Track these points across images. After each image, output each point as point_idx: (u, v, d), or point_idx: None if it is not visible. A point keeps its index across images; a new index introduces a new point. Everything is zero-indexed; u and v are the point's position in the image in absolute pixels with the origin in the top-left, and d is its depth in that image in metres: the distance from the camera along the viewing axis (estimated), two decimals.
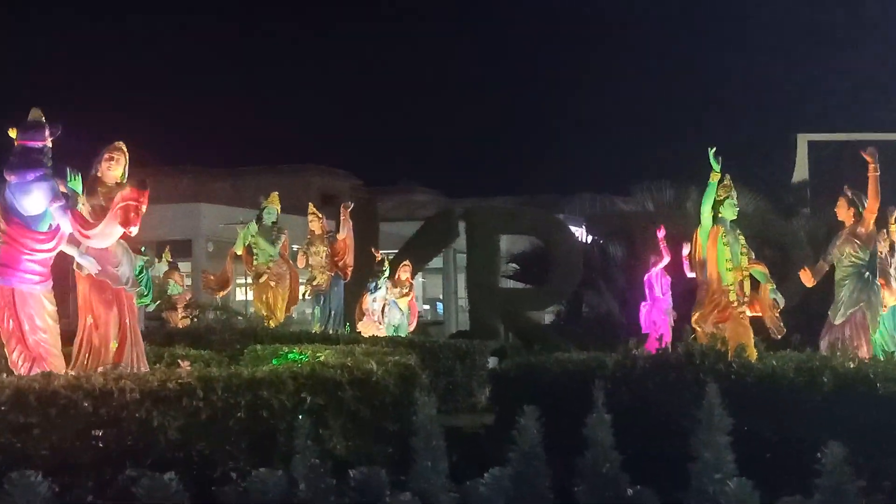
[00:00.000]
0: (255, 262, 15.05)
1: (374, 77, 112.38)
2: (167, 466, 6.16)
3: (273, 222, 15.14)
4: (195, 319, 14.86)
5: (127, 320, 8.27)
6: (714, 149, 9.61)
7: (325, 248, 14.95)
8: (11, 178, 7.70)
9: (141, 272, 9.50)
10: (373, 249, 16.01)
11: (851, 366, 7.22)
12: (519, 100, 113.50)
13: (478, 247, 21.73)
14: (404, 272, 16.76)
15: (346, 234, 15.09)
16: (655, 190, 24.46)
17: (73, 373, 7.24)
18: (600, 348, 10.48)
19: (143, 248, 11.19)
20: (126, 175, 8.44)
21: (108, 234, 7.93)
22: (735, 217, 9.75)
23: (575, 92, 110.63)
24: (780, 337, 9.97)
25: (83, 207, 8.11)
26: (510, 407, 8.21)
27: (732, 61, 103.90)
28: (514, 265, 25.95)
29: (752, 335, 9.41)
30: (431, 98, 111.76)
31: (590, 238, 26.34)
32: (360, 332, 14.53)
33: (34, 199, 7.66)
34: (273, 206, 15.14)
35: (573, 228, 24.65)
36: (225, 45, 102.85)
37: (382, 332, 15.12)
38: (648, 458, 6.29)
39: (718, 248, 9.54)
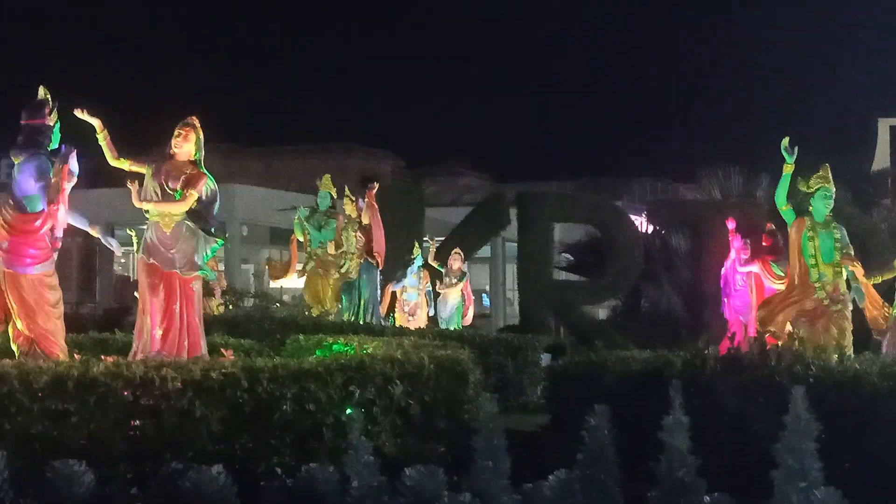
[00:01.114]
0: (307, 249, 15.09)
1: (418, 52, 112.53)
2: (209, 459, 6.27)
3: (330, 206, 15.07)
4: (230, 307, 15.05)
5: (175, 306, 8.43)
6: (787, 139, 9.47)
7: (356, 234, 14.91)
8: (14, 159, 7.98)
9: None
10: (429, 238, 16.06)
11: None
12: (573, 77, 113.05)
13: (530, 235, 21.73)
14: (455, 261, 16.84)
15: (370, 219, 14.99)
16: (723, 177, 24.29)
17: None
18: (662, 347, 10.46)
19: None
20: (200, 152, 8.67)
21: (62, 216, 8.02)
22: (827, 210, 9.56)
23: (634, 70, 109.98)
24: (878, 337, 10.01)
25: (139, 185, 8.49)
26: (569, 407, 8.28)
27: (809, 40, 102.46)
28: (567, 256, 25.92)
29: (850, 336, 9.33)
30: (479, 74, 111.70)
31: (650, 228, 26.20)
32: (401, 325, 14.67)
33: (26, 178, 7.95)
34: (325, 190, 15.01)
35: (632, 217, 24.55)
36: (264, 20, 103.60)
37: (412, 325, 15.20)
38: (722, 464, 6.29)
39: (802, 242, 9.43)
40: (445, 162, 53.26)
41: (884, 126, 31.53)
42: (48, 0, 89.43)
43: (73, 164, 8.10)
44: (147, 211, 8.62)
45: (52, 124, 8.14)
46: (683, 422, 5.74)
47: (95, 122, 8.53)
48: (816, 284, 9.39)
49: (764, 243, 14.35)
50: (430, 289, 17.11)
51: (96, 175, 15.64)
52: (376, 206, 15.12)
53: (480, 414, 6.11)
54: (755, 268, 14.47)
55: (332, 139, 50.37)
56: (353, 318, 14.41)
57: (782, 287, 14.07)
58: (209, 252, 8.78)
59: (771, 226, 14.90)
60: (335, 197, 15.19)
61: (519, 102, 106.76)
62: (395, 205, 22.56)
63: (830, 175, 9.61)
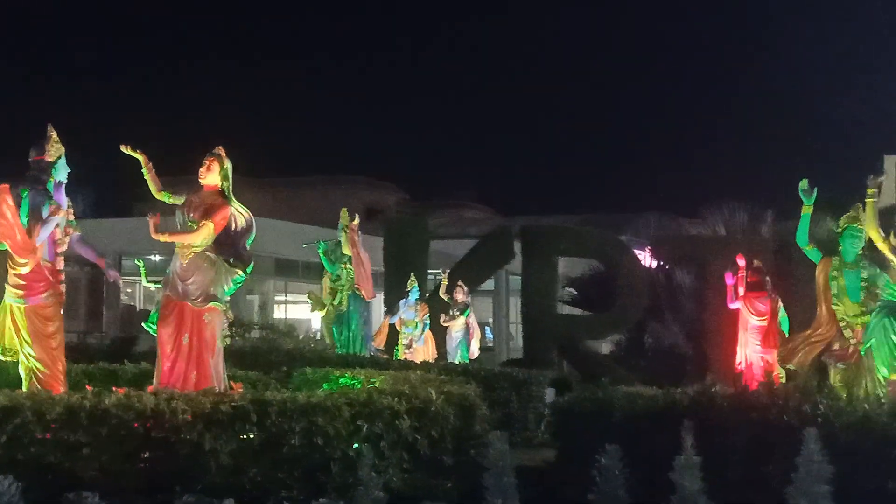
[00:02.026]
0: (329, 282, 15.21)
1: (424, 85, 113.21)
2: (219, 493, 6.29)
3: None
4: (237, 339, 15.08)
5: (184, 338, 8.42)
6: (805, 181, 9.48)
7: (345, 266, 14.98)
8: (21, 194, 8.21)
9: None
10: (442, 271, 16.09)
11: None
12: (580, 112, 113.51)
13: (535, 269, 21.76)
14: (458, 293, 16.88)
15: (353, 251, 15.01)
16: (728, 213, 24.31)
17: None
18: (666, 382, 10.46)
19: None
20: (227, 182, 8.70)
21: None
22: (857, 249, 9.52)
23: (641, 105, 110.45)
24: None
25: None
26: (576, 444, 8.28)
27: (816, 79, 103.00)
28: (571, 290, 25.92)
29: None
30: (485, 108, 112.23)
31: (655, 263, 26.20)
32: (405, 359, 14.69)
33: (24, 213, 8.12)
34: (342, 222, 15.18)
35: (637, 252, 24.57)
36: (269, 49, 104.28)
37: (412, 358, 15.24)
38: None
39: (828, 282, 9.43)
40: (450, 194, 53.49)
41: (890, 163, 31.54)
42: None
43: (60, 197, 8.28)
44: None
45: (51, 160, 8.32)
46: (695, 462, 5.74)
47: (140, 157, 8.66)
48: (842, 324, 9.38)
49: (749, 279, 14.43)
50: (428, 322, 16.99)
51: (103, 206, 15.76)
52: (357, 240, 15.14)
53: (491, 451, 6.12)
54: (739, 304, 14.57)
55: (338, 171, 50.67)
56: (344, 351, 14.46)
57: (764, 323, 14.21)
58: (231, 284, 8.73)
59: (757, 262, 15.06)
60: None
61: (524, 136, 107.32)
62: (401, 237, 22.67)
63: (861, 215, 9.54)
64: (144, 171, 8.72)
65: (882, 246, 9.28)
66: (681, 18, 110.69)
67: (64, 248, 8.42)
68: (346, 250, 14.89)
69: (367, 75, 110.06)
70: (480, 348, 30.36)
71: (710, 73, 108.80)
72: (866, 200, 9.28)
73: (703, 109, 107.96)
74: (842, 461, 6.49)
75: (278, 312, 32.84)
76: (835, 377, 9.10)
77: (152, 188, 8.77)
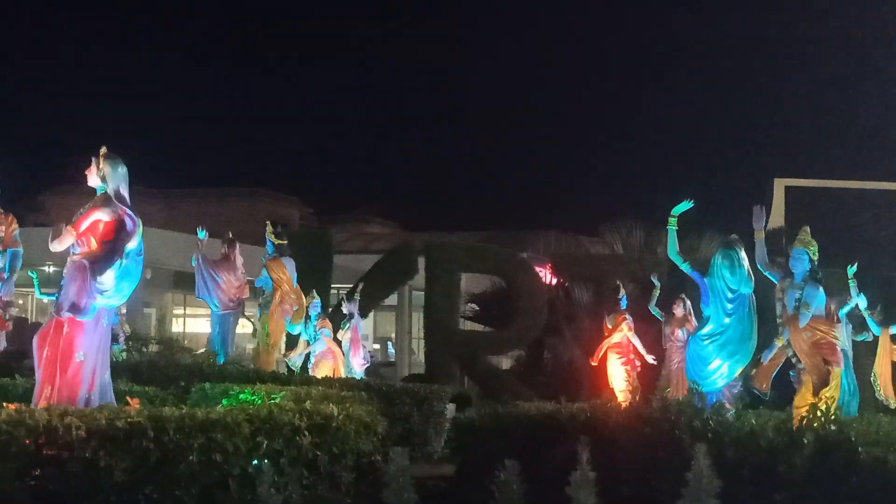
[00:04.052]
0: None
1: (325, 98, 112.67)
2: None
3: (270, 252, 15.38)
4: (133, 353, 14.79)
5: (52, 351, 8.07)
6: (692, 202, 10.30)
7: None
8: None
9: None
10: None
11: (833, 427, 7.43)
12: (482, 130, 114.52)
13: (438, 284, 21.79)
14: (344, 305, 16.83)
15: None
16: (625, 232, 24.81)
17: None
18: (565, 398, 10.64)
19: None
20: (107, 184, 8.27)
21: None
22: (802, 269, 10.28)
23: (538, 126, 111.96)
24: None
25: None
26: (475, 459, 8.35)
27: (709, 104, 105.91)
28: (473, 306, 26.07)
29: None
30: (387, 124, 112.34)
31: (554, 280, 26.55)
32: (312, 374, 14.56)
33: None
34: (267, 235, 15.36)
35: (537, 269, 24.85)
36: (174, 62, 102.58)
37: (313, 371, 15.26)
38: None
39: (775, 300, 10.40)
40: (354, 209, 53.39)
41: (779, 186, 32.59)
42: None
43: None
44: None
45: None
46: (590, 477, 5.85)
47: None
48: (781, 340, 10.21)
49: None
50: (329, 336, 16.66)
51: None
52: (226, 253, 15.33)
53: (391, 467, 6.13)
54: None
55: (238, 184, 50.07)
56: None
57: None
58: (97, 297, 8.14)
59: (617, 282, 16.26)
60: (275, 242, 15.35)
61: (427, 153, 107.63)
62: (304, 251, 22.47)
63: (808, 237, 10.38)
64: None
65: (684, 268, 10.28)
66: (576, 39, 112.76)
67: None
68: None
69: (272, 88, 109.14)
70: (383, 363, 30.22)
71: (610, 93, 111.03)
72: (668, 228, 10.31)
73: (603, 131, 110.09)
74: (730, 475, 6.70)
75: (177, 326, 32.24)
76: None
77: None
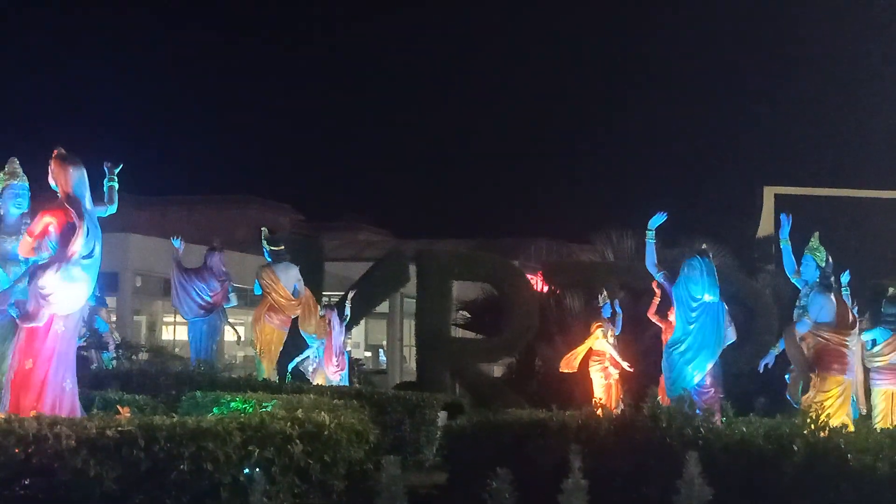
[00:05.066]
0: None
1: (318, 106, 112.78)
2: None
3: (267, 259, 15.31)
4: (125, 361, 14.74)
5: (16, 359, 7.95)
6: (666, 214, 10.66)
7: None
8: None
9: None
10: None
11: (823, 435, 7.44)
12: (473, 138, 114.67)
13: (429, 292, 21.79)
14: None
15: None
16: (616, 239, 24.82)
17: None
18: (556, 406, 10.65)
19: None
20: (67, 187, 8.06)
21: None
22: (812, 272, 11.14)
23: (528, 133, 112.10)
24: None
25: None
26: (467, 467, 8.35)
27: (699, 112, 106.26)
28: (464, 313, 26.07)
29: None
30: (380, 131, 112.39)
31: (546, 287, 26.54)
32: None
33: None
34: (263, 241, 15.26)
35: (528, 276, 24.86)
36: (164, 69, 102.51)
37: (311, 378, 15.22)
38: None
39: None
40: (345, 216, 53.39)
41: (769, 194, 32.68)
42: None
43: None
44: None
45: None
46: (582, 485, 5.86)
47: None
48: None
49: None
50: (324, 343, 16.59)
51: None
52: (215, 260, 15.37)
53: (383, 476, 6.13)
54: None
55: (230, 191, 50.04)
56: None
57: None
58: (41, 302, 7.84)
59: (603, 289, 16.73)
60: (269, 250, 15.26)
61: (418, 160, 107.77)
62: (294, 258, 22.45)
63: (816, 243, 11.08)
64: None
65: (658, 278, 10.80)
66: (565, 47, 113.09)
67: None
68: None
69: (263, 95, 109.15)
70: (374, 371, 30.12)
71: (600, 101, 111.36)
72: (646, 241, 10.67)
73: (593, 139, 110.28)
74: (721, 483, 6.71)
75: (167, 334, 32.18)
76: None
77: None
